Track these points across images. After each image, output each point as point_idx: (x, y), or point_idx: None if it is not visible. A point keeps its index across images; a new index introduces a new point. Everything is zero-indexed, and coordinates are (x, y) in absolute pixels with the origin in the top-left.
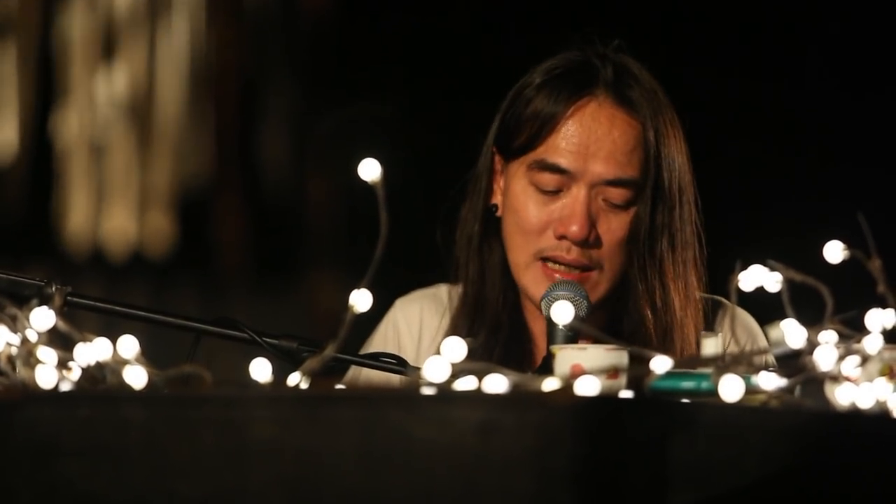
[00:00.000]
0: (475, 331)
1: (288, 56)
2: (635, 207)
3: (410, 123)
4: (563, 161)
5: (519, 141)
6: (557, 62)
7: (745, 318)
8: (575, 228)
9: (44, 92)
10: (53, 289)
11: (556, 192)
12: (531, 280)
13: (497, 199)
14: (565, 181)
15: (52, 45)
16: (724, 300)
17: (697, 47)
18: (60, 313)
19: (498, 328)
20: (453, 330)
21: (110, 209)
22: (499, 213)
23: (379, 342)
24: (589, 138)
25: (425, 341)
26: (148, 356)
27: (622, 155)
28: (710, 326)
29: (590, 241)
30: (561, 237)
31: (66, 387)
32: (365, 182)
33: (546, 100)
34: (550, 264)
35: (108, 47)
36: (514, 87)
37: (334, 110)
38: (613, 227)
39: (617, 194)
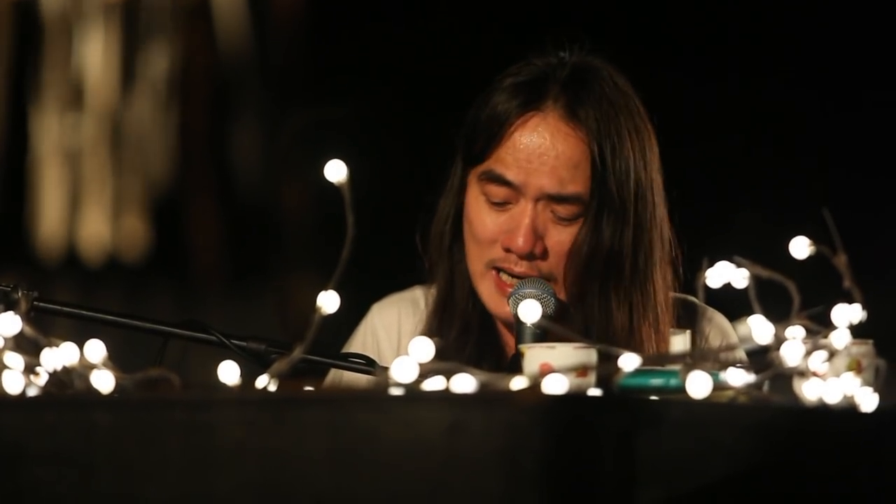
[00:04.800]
0: (445, 331)
1: (259, 60)
2: (583, 220)
3: (383, 126)
4: (508, 174)
5: (474, 149)
6: (522, 69)
7: (719, 319)
8: (520, 242)
9: (16, 97)
10: (20, 294)
11: (504, 204)
12: (485, 290)
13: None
14: (512, 194)
15: (23, 50)
16: (696, 300)
17: (665, 45)
18: (27, 318)
19: (467, 328)
20: (426, 331)
21: (84, 213)
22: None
23: (357, 348)
24: (532, 153)
25: (404, 345)
26: (120, 360)
27: (566, 170)
28: (683, 326)
29: (536, 254)
30: (507, 250)
31: (32, 392)
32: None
33: (497, 110)
34: (503, 275)
35: (79, 53)
36: (486, 89)
37: (306, 113)
38: (562, 240)
39: (562, 209)
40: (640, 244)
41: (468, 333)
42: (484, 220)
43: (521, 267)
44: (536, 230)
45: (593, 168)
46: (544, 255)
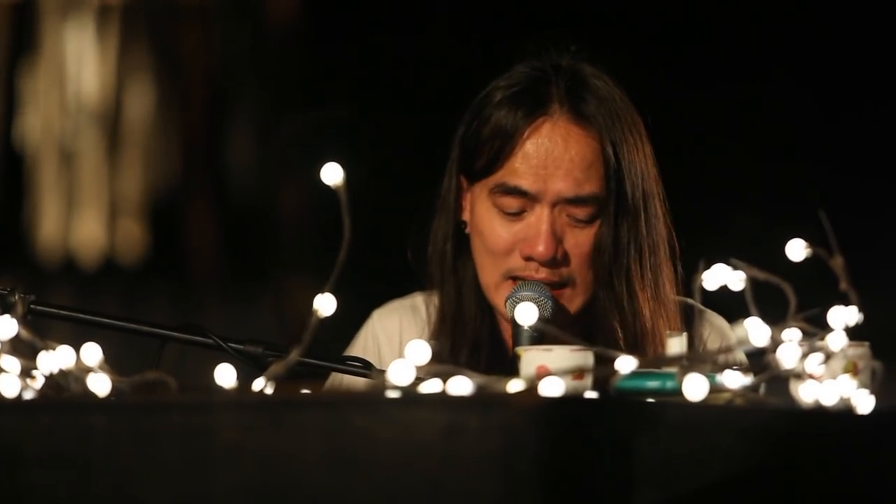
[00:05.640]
0: (457, 348)
1: (255, 63)
2: (600, 220)
3: (379, 129)
4: (523, 183)
5: (479, 164)
6: (513, 78)
7: (719, 322)
8: (541, 248)
9: (13, 99)
10: (16, 297)
11: (519, 214)
12: (503, 299)
13: (466, 215)
14: (527, 202)
15: (21, 52)
16: (696, 304)
17: (662, 48)
18: (23, 321)
19: (479, 345)
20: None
21: (81, 217)
22: (468, 230)
23: (358, 353)
24: (546, 158)
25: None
26: (117, 363)
27: (581, 172)
28: (685, 330)
29: (557, 258)
30: (528, 258)
31: (29, 395)
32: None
33: (502, 122)
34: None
35: (76, 55)
36: (473, 104)
37: (302, 116)
38: (580, 242)
39: (580, 211)
40: (651, 239)
41: (479, 349)
42: (498, 231)
43: (541, 273)
44: (556, 235)
45: (606, 166)
46: (565, 259)
